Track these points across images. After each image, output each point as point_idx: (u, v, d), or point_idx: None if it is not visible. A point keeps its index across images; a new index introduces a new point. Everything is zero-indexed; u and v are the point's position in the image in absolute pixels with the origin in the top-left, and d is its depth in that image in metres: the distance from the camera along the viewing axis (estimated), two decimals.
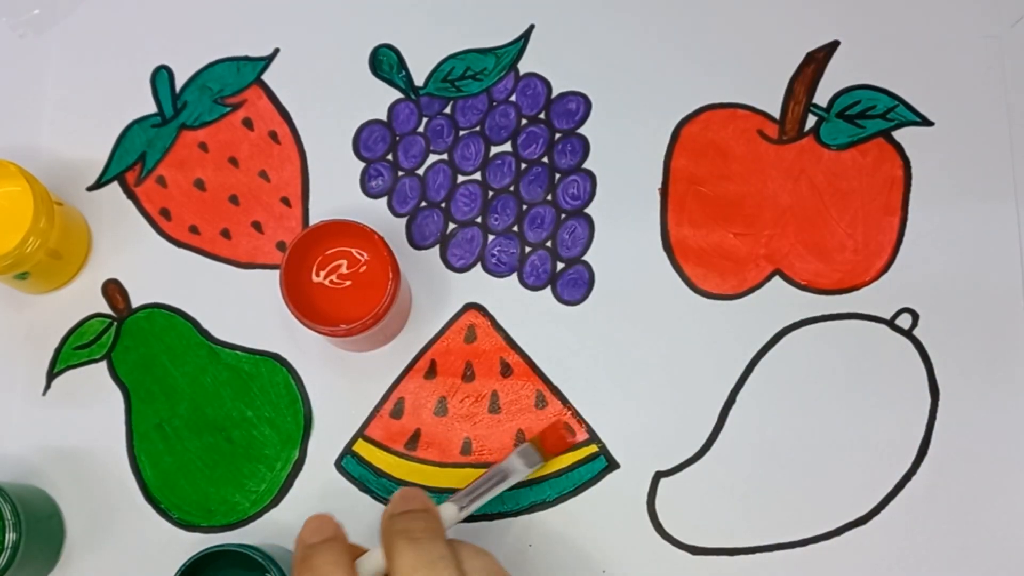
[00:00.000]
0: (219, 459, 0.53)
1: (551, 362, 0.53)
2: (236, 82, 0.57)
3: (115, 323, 0.54)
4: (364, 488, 0.52)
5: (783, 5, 0.56)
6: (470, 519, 0.50)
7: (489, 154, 0.55)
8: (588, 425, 0.52)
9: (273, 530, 0.52)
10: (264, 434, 0.53)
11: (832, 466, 0.51)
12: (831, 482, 0.51)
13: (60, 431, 0.53)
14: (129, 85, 0.57)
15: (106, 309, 0.55)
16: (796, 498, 0.51)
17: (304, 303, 0.49)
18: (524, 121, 0.56)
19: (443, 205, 0.55)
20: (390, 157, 0.56)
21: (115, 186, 0.56)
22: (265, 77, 0.57)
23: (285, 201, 0.56)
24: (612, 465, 0.52)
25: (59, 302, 0.55)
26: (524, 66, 0.56)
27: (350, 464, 0.52)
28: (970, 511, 0.50)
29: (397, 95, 0.57)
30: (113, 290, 0.55)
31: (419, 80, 0.57)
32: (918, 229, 0.53)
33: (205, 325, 0.54)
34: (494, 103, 0.56)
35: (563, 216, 0.55)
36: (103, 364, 0.54)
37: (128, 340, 0.54)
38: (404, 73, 0.57)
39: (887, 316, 0.53)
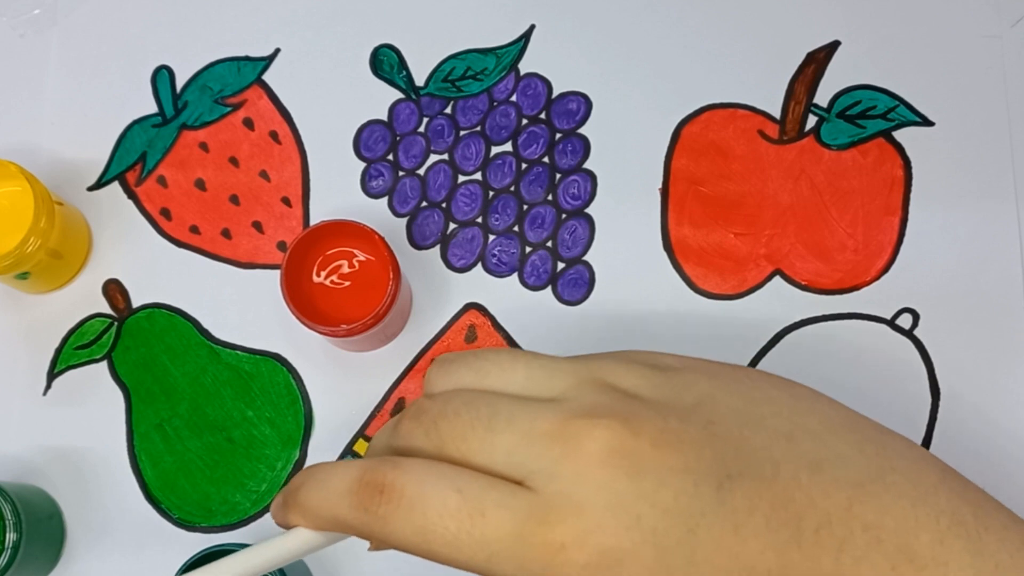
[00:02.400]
0: (219, 459, 0.53)
1: None
2: (236, 82, 0.57)
3: (115, 323, 0.54)
4: None
5: (783, 5, 0.56)
6: None
7: (490, 154, 0.56)
8: None
9: (273, 530, 0.52)
10: (264, 434, 0.53)
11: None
12: None
13: (60, 431, 0.53)
14: (129, 85, 0.57)
15: (106, 309, 0.55)
16: None
17: (304, 303, 0.49)
18: (525, 121, 0.56)
19: (443, 205, 0.55)
20: (390, 157, 0.56)
21: (115, 186, 0.56)
22: (265, 77, 0.57)
23: (286, 201, 0.56)
24: None
25: (59, 302, 0.55)
26: (524, 66, 0.56)
27: None
28: None
29: (397, 95, 0.57)
30: (113, 290, 0.55)
31: (420, 80, 0.57)
32: (918, 229, 0.53)
33: (205, 325, 0.54)
34: (495, 103, 0.56)
35: (564, 216, 0.55)
36: (103, 364, 0.54)
37: (128, 340, 0.54)
38: (404, 73, 0.57)
39: (887, 316, 0.53)
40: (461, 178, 0.55)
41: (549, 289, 0.54)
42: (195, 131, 0.57)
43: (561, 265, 0.54)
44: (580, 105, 0.56)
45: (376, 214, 0.55)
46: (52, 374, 0.54)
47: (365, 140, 0.56)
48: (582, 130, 0.55)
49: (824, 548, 0.27)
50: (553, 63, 0.56)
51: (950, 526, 0.28)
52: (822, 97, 0.55)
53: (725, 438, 0.28)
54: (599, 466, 0.27)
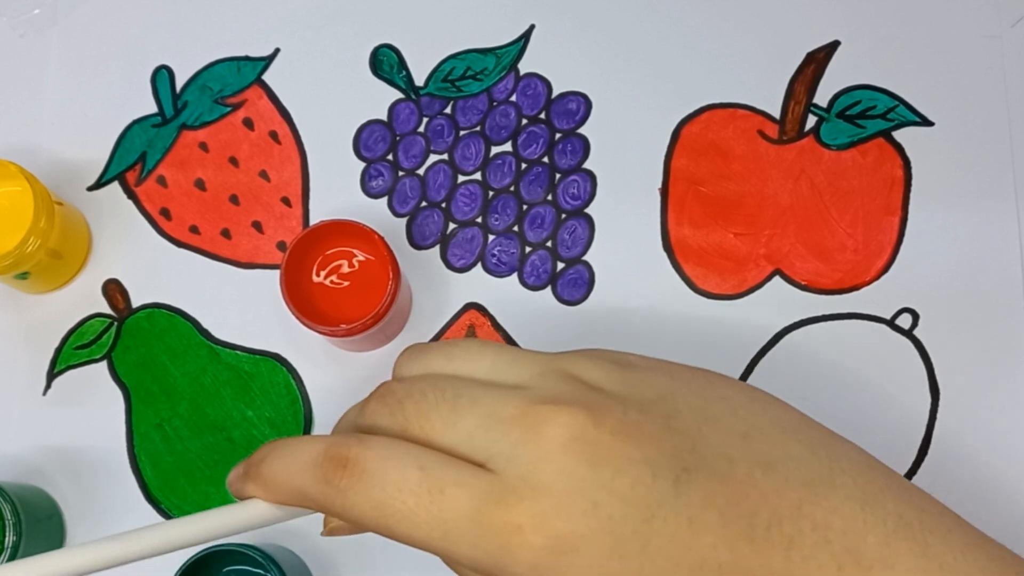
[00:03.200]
0: (219, 459, 0.53)
1: None
2: (236, 82, 0.57)
3: (115, 323, 0.54)
4: None
5: (783, 5, 0.56)
6: None
7: (489, 154, 0.56)
8: None
9: (273, 530, 0.52)
10: (264, 434, 0.53)
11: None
12: None
13: (60, 431, 0.53)
14: (129, 85, 0.57)
15: (106, 309, 0.55)
16: None
17: (304, 303, 0.49)
18: (524, 121, 0.56)
19: (443, 205, 0.55)
20: (390, 157, 0.56)
21: (115, 186, 0.56)
22: (265, 77, 0.57)
23: (285, 201, 0.56)
24: None
25: (59, 302, 0.55)
26: (524, 66, 0.56)
27: None
28: (970, 511, 0.50)
29: (397, 95, 0.57)
30: (113, 290, 0.55)
31: (419, 80, 0.57)
32: (918, 229, 0.53)
33: (205, 325, 0.54)
34: (494, 103, 0.56)
35: (563, 216, 0.55)
36: (103, 364, 0.54)
37: (128, 340, 0.54)
38: (404, 73, 0.57)
39: (887, 316, 0.53)
40: (461, 178, 0.55)
41: (549, 289, 0.54)
42: (195, 131, 0.57)
43: (561, 265, 0.54)
44: (580, 105, 0.56)
45: (376, 214, 0.55)
46: (52, 374, 0.54)
47: (365, 140, 0.56)
48: (582, 130, 0.55)
49: (774, 545, 0.27)
50: (553, 63, 0.56)
51: (896, 528, 0.28)
52: (822, 97, 0.55)
53: (683, 433, 0.28)
54: (559, 451, 0.27)
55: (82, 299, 0.55)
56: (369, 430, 0.30)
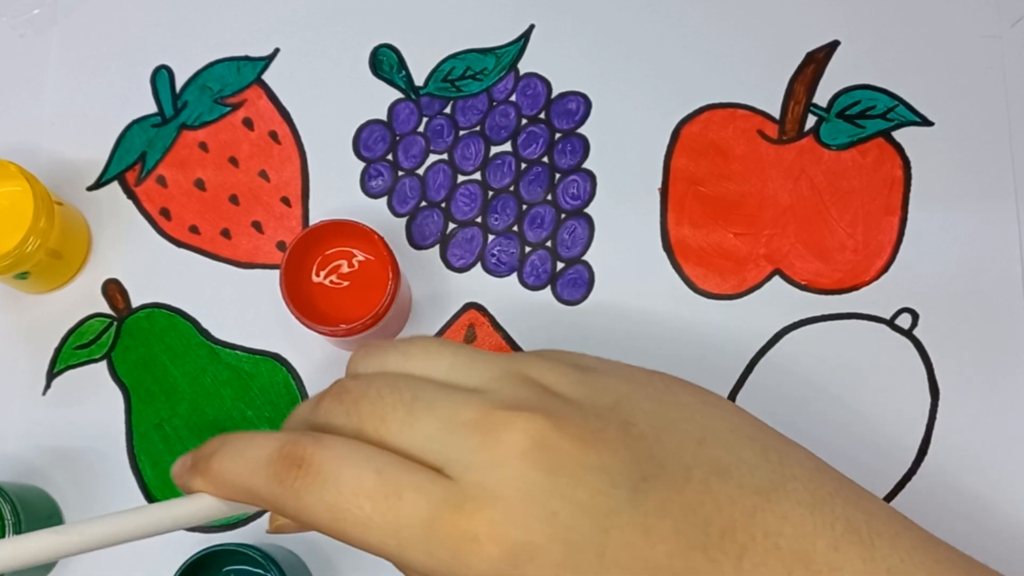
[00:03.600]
0: None
1: None
2: (236, 82, 0.57)
3: (115, 323, 0.54)
4: None
5: (783, 5, 0.56)
6: None
7: (489, 154, 0.56)
8: None
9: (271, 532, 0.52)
10: None
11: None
12: None
13: (60, 431, 0.53)
14: (129, 85, 0.57)
15: (106, 309, 0.55)
16: None
17: (304, 303, 0.49)
18: (524, 121, 0.56)
19: (443, 205, 0.55)
20: (390, 157, 0.56)
21: (115, 186, 0.56)
22: (265, 77, 0.57)
23: (285, 201, 0.56)
24: None
25: (59, 302, 0.55)
26: (524, 66, 0.56)
27: None
28: (970, 511, 0.50)
29: (397, 95, 0.57)
30: (113, 290, 0.55)
31: (419, 80, 0.57)
32: (918, 229, 0.53)
33: (205, 325, 0.54)
34: (494, 103, 0.56)
35: (563, 216, 0.55)
36: (103, 364, 0.54)
37: (128, 340, 0.54)
38: (404, 73, 0.57)
39: (887, 316, 0.53)
40: (461, 178, 0.55)
41: (548, 289, 0.54)
42: (195, 131, 0.57)
43: (560, 265, 0.54)
44: (580, 105, 0.56)
45: (376, 214, 0.55)
46: (52, 374, 0.54)
47: (365, 140, 0.56)
48: (581, 130, 0.55)
49: (727, 554, 0.27)
50: (553, 63, 0.56)
51: (844, 533, 0.28)
52: (822, 97, 0.55)
53: (640, 440, 0.28)
54: (518, 458, 0.27)
55: (82, 299, 0.55)
56: (323, 428, 0.29)
